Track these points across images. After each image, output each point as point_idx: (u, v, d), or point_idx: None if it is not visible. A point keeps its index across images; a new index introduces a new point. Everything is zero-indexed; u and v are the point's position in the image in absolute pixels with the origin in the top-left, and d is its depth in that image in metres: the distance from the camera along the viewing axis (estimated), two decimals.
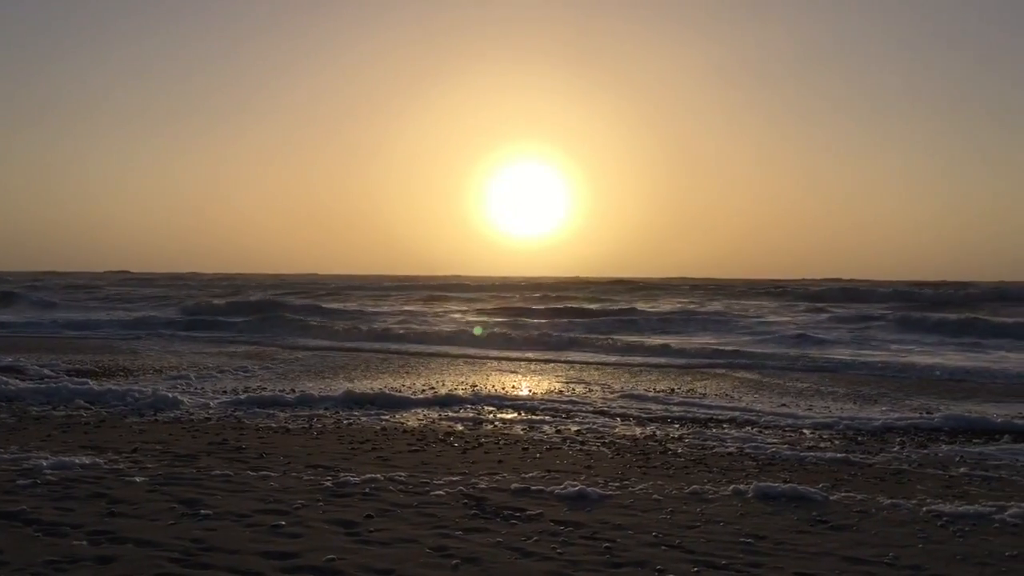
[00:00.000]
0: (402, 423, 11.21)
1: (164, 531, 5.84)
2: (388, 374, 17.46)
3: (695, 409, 12.96)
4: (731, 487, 7.58)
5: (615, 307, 43.31)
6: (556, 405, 13.02)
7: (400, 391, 14.35)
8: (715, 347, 24.47)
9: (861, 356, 22.46)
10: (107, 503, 6.56)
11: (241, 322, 31.65)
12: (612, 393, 14.66)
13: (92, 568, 5.09)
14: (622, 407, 13.04)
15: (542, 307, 43.37)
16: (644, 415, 12.28)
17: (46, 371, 16.22)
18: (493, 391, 14.68)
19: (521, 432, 10.63)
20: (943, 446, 10.15)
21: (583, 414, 12.24)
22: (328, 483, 7.41)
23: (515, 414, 12.16)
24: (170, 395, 12.54)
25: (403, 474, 7.87)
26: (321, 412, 11.96)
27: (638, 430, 10.96)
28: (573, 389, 15.24)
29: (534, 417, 11.87)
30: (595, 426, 11.18)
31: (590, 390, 15.10)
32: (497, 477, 7.87)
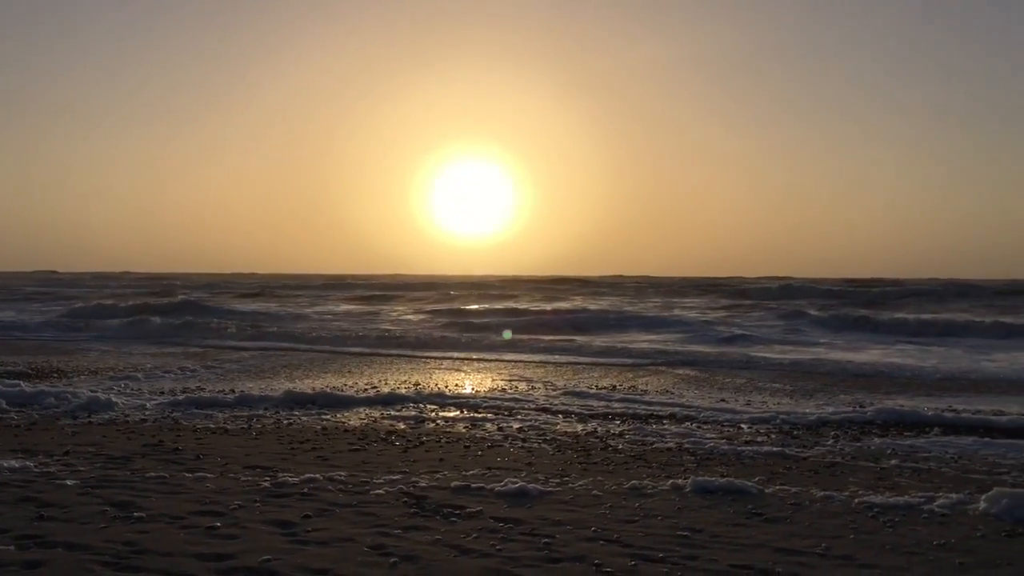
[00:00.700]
0: (343, 422, 11.13)
1: (95, 534, 5.72)
2: (330, 373, 17.31)
3: (636, 405, 13.08)
4: (669, 482, 7.67)
5: (559, 305, 43.50)
6: (499, 403, 13.04)
7: (342, 390, 14.24)
8: (655, 345, 24.72)
9: (795, 352, 22.90)
10: (36, 507, 6.40)
11: (160, 324, 30.65)
12: (554, 391, 14.73)
13: (19, 573, 4.97)
14: (564, 404, 13.11)
15: (486, 306, 43.40)
16: (586, 412, 12.35)
17: None
18: (436, 389, 14.65)
19: (463, 430, 10.63)
20: (875, 439, 10.39)
21: (525, 411, 12.28)
22: (266, 483, 7.32)
23: (457, 412, 12.15)
24: (103, 397, 12.26)
25: (343, 473, 7.82)
26: (261, 412, 11.81)
27: (579, 427, 11.03)
28: (516, 387, 15.27)
29: (476, 415, 11.88)
30: (537, 423, 11.22)
31: (533, 388, 15.15)
32: (438, 475, 7.85)
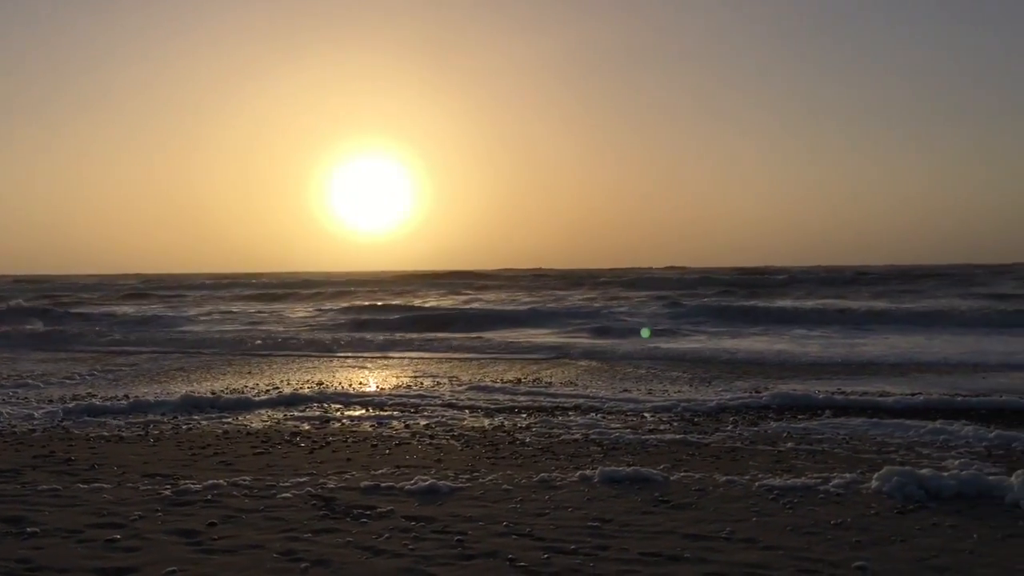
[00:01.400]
0: (245, 425, 10.87)
1: None
2: (229, 376, 16.89)
3: (541, 398, 13.19)
4: (578, 473, 7.76)
5: (456, 300, 43.49)
6: (405, 400, 12.96)
7: (242, 392, 13.92)
8: (553, 338, 24.98)
9: (688, 341, 23.49)
10: None
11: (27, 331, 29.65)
12: (460, 386, 14.72)
13: None
14: (470, 399, 13.12)
15: (384, 303, 43.05)
16: (492, 406, 12.40)
17: None
18: (340, 388, 14.46)
19: (370, 429, 10.52)
20: (772, 423, 10.74)
21: (432, 408, 12.23)
22: (167, 492, 7.09)
23: (363, 411, 12.02)
24: None
25: (248, 478, 7.64)
26: (157, 418, 11.43)
27: (487, 421, 11.06)
28: (421, 383, 15.21)
29: (383, 413, 11.78)
30: (444, 419, 11.20)
31: (438, 383, 15.10)
32: (346, 476, 7.75)
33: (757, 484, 7.34)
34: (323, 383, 15.30)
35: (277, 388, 14.52)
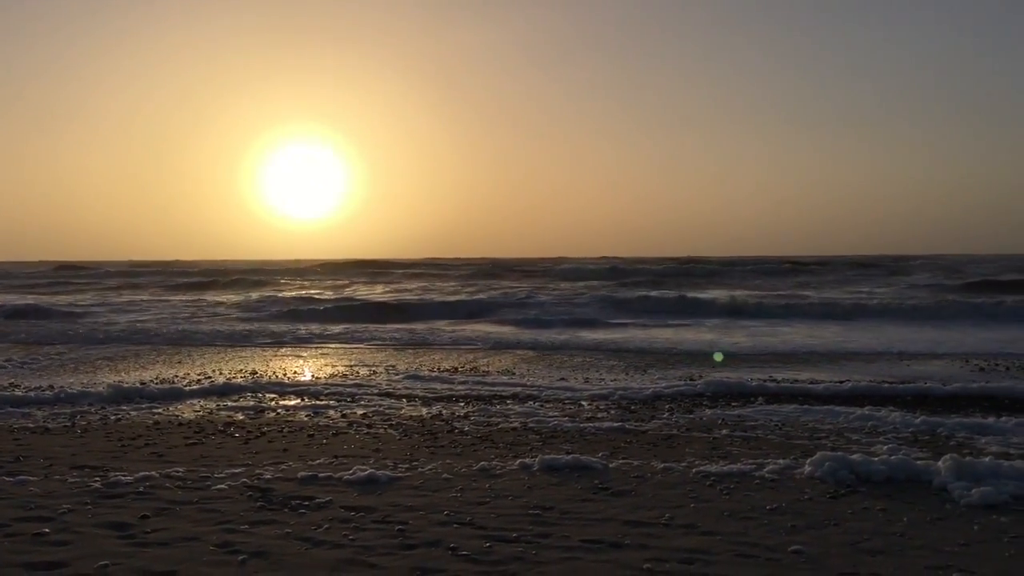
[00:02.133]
0: (177, 415, 10.63)
1: None
2: (158, 365, 16.50)
3: (479, 387, 13.17)
4: (517, 461, 7.76)
5: (389, 291, 43.21)
6: (341, 389, 12.81)
7: (173, 382, 13.61)
8: (490, 329, 25.00)
9: (620, 331, 23.71)
10: None
11: None
12: (397, 375, 14.62)
13: None
14: (407, 388, 13.04)
15: (317, 292, 42.54)
16: (430, 395, 12.34)
17: None
18: (274, 378, 14.24)
19: (306, 418, 10.38)
20: (707, 410, 10.90)
21: (369, 397, 12.12)
22: (97, 484, 6.88)
23: (298, 400, 11.86)
24: None
25: (181, 469, 7.46)
26: (85, 408, 11.11)
27: (424, 410, 11.00)
28: (357, 372, 15.06)
29: (318, 402, 11.63)
30: (381, 408, 11.10)
31: (374, 373, 14.98)
32: (283, 466, 7.63)
33: (694, 471, 7.43)
34: (256, 372, 15.04)
35: (209, 378, 14.23)
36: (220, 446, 8.68)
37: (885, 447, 8.34)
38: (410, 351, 19.19)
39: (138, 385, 12.93)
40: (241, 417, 10.48)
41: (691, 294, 37.01)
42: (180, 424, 9.98)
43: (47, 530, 5.62)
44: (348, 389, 12.83)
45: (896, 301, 33.04)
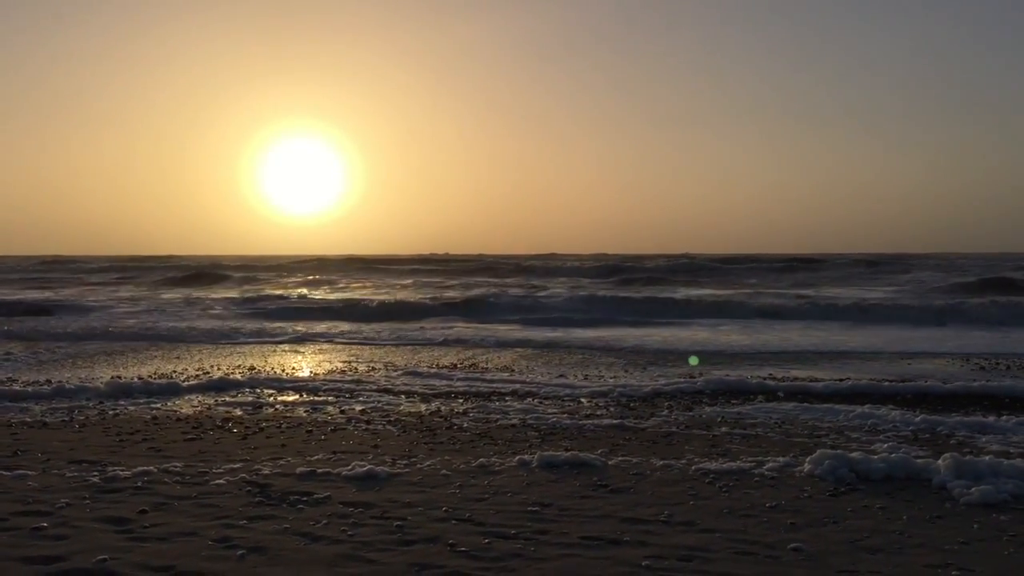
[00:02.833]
0: (175, 411, 10.62)
1: None
2: (156, 360, 16.48)
3: (478, 383, 13.16)
4: (516, 458, 7.75)
5: (384, 290, 43.17)
6: (339, 385, 12.80)
7: (171, 377, 13.60)
8: (485, 326, 24.99)
9: (614, 329, 23.69)
10: None
11: None
12: (395, 371, 14.61)
13: None
14: (406, 384, 13.03)
15: (315, 288, 42.51)
16: (428, 391, 12.32)
17: None
18: (272, 373, 14.23)
19: (304, 414, 10.36)
20: (706, 408, 10.89)
21: (367, 393, 12.11)
22: (95, 479, 6.87)
23: (297, 396, 11.84)
24: None
25: (179, 464, 7.45)
26: (83, 403, 11.09)
27: (423, 406, 10.98)
28: (355, 368, 15.05)
29: (317, 398, 11.61)
30: (380, 404, 11.09)
31: (373, 369, 14.96)
32: (281, 462, 7.62)
33: (693, 468, 7.42)
34: (255, 368, 15.03)
35: (207, 373, 14.22)
36: (218, 441, 8.66)
37: (885, 445, 8.33)
38: (408, 348, 19.17)
39: (136, 380, 12.91)
40: (239, 413, 10.47)
41: (689, 292, 36.99)
42: (178, 419, 9.97)
43: (45, 524, 5.61)
44: (347, 385, 12.81)
45: (897, 299, 33.04)
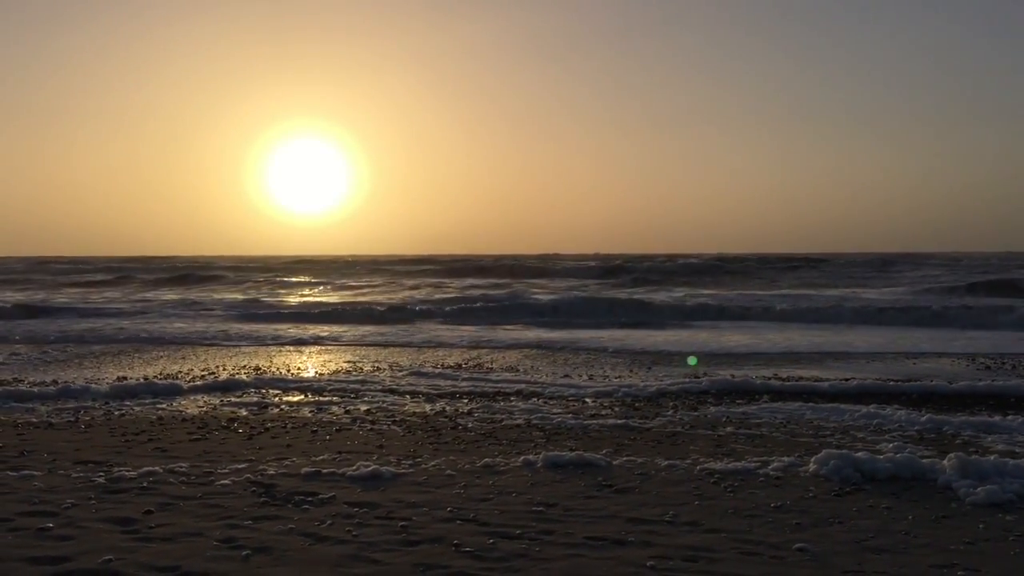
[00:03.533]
0: (180, 411, 10.64)
1: None
2: (161, 361, 16.52)
3: (483, 384, 13.16)
4: (521, 458, 7.75)
5: (392, 291, 43.19)
6: (344, 385, 12.81)
7: (176, 378, 13.62)
8: (490, 327, 24.99)
9: (612, 331, 23.68)
10: None
11: None
12: (400, 371, 14.62)
13: None
14: (411, 384, 13.04)
15: (325, 291, 42.55)
16: (433, 391, 12.33)
17: None
18: (277, 374, 14.25)
19: (309, 414, 10.37)
20: (711, 408, 10.87)
21: (372, 393, 12.11)
22: (100, 479, 6.89)
23: (302, 396, 11.86)
24: None
25: (184, 465, 7.46)
26: (88, 404, 11.12)
27: (428, 407, 10.99)
28: (360, 369, 15.06)
29: (322, 398, 11.62)
30: (385, 404, 11.10)
31: (378, 369, 14.98)
32: (286, 462, 7.63)
33: (698, 468, 7.41)
34: (260, 368, 15.05)
35: (212, 374, 14.25)
36: (223, 442, 8.68)
37: (890, 445, 8.31)
38: (412, 349, 19.18)
39: (141, 380, 12.94)
40: (244, 413, 10.49)
41: (691, 292, 36.97)
42: (184, 420, 9.99)
43: (51, 525, 5.63)
44: (352, 385, 12.82)
45: (904, 299, 32.99)
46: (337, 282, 52.75)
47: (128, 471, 7.14)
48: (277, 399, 11.59)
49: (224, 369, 14.94)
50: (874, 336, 20.97)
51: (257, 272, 63.97)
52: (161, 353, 17.93)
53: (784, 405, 10.92)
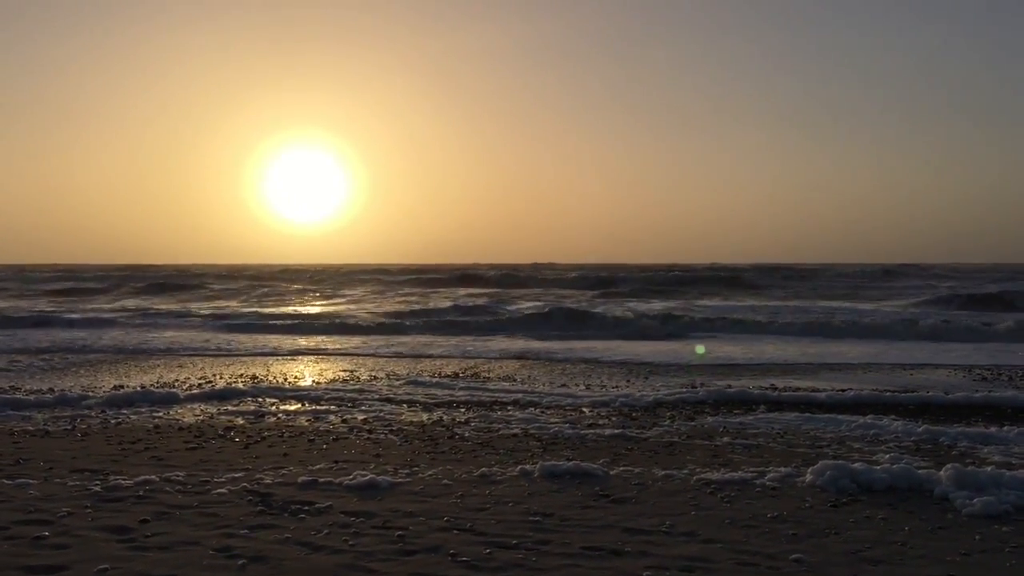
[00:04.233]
0: (177, 419, 10.62)
1: None
2: (158, 369, 16.50)
3: (480, 393, 13.15)
4: (518, 467, 7.74)
5: (388, 302, 43.16)
6: (341, 394, 12.80)
7: (173, 386, 13.60)
8: (488, 336, 24.98)
9: (605, 342, 23.66)
10: None
11: None
12: (398, 380, 14.60)
13: None
14: (408, 394, 13.02)
15: (322, 301, 42.53)
16: (430, 401, 12.31)
17: None
18: (274, 383, 14.23)
19: (306, 423, 10.36)
20: (708, 418, 10.87)
21: (369, 402, 12.10)
22: (96, 488, 6.87)
23: (299, 405, 11.84)
24: None
25: (181, 474, 7.45)
26: (85, 412, 11.10)
27: (425, 416, 10.98)
28: (358, 378, 15.05)
29: (319, 407, 11.60)
30: (382, 414, 11.09)
31: (375, 378, 14.96)
32: (283, 471, 7.61)
33: (695, 478, 7.41)
34: (257, 377, 15.03)
35: (210, 382, 14.23)
36: (220, 450, 8.66)
37: (887, 456, 8.32)
38: (409, 358, 19.17)
39: (138, 389, 12.92)
40: (241, 421, 10.47)
41: (687, 303, 36.98)
42: (180, 428, 9.97)
43: (47, 533, 5.61)
44: (348, 394, 12.81)
45: (901, 310, 33.03)
46: (333, 291, 52.74)
47: (124, 480, 7.13)
48: (274, 408, 11.57)
49: (221, 378, 14.92)
50: (871, 346, 20.98)
51: (254, 281, 63.93)
52: (158, 362, 17.91)
53: (781, 415, 10.92)
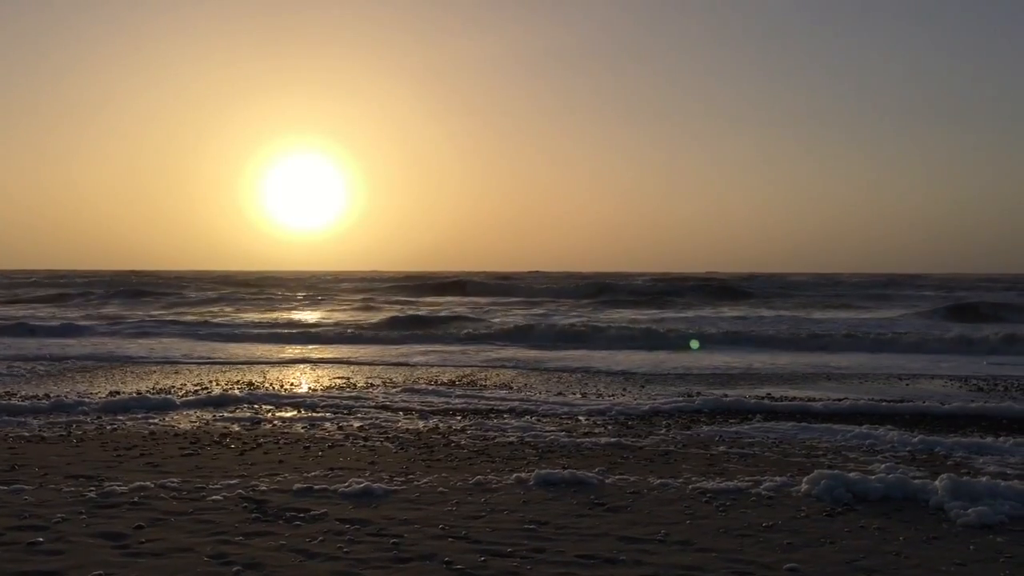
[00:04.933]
0: (173, 426, 10.61)
1: None
2: (154, 376, 16.48)
3: (476, 401, 13.15)
4: (514, 475, 7.74)
5: (387, 307, 43.15)
6: (337, 401, 12.79)
7: (169, 392, 13.59)
8: (486, 344, 24.97)
9: (599, 350, 23.68)
10: None
11: None
12: (394, 388, 14.60)
13: None
14: (404, 401, 13.02)
15: (314, 309, 42.51)
16: (427, 408, 12.31)
17: None
18: (270, 389, 14.22)
19: (302, 430, 10.35)
20: (704, 427, 10.88)
21: (365, 409, 12.09)
22: (91, 494, 6.86)
23: (295, 412, 11.83)
24: None
25: (176, 480, 7.44)
26: (80, 417, 11.08)
27: (421, 423, 10.97)
28: (354, 385, 15.04)
29: (315, 414, 11.60)
30: (378, 421, 11.08)
31: (371, 385, 14.95)
32: (278, 478, 7.61)
33: (691, 487, 7.41)
34: (253, 384, 15.02)
35: (206, 389, 14.22)
36: (215, 457, 8.65)
37: (882, 465, 8.32)
38: (405, 366, 19.16)
39: (134, 395, 12.90)
40: (237, 428, 10.46)
41: (681, 312, 37.01)
42: (175, 434, 9.96)
43: (41, 539, 5.60)
44: (345, 401, 12.80)
45: (897, 320, 33.07)
46: (330, 298, 52.70)
47: (119, 486, 7.12)
48: (270, 415, 11.57)
49: (217, 384, 14.91)
50: (867, 356, 21.00)
51: (251, 287, 63.89)
52: (154, 368, 17.89)
53: (777, 425, 10.93)
